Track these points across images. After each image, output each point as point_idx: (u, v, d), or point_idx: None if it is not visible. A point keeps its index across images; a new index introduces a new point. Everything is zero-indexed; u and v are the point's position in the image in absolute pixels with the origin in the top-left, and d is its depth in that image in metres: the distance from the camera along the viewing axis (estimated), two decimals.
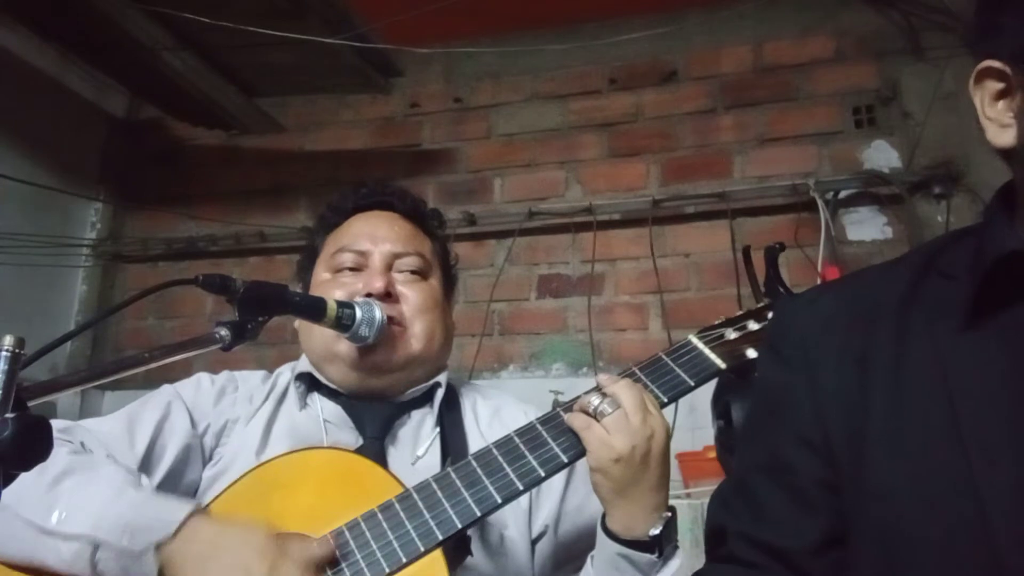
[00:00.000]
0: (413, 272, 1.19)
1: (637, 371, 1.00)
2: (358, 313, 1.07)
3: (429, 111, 2.84)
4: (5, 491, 0.60)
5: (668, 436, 0.94)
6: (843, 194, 2.34)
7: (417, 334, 1.16)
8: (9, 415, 0.61)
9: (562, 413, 0.97)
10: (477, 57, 2.75)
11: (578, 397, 0.97)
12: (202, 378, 1.19)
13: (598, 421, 0.92)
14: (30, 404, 0.64)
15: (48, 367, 2.48)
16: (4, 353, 0.61)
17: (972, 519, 0.63)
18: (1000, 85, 0.68)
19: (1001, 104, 0.68)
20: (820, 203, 2.29)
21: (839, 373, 0.74)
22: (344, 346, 1.11)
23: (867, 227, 2.33)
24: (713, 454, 1.92)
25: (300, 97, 2.86)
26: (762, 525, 0.75)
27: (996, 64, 0.68)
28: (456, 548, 0.95)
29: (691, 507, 1.77)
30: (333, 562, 0.90)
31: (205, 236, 2.89)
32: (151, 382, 1.20)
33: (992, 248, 0.68)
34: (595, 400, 0.93)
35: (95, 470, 0.95)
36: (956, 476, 0.64)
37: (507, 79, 2.77)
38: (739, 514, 0.77)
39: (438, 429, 1.15)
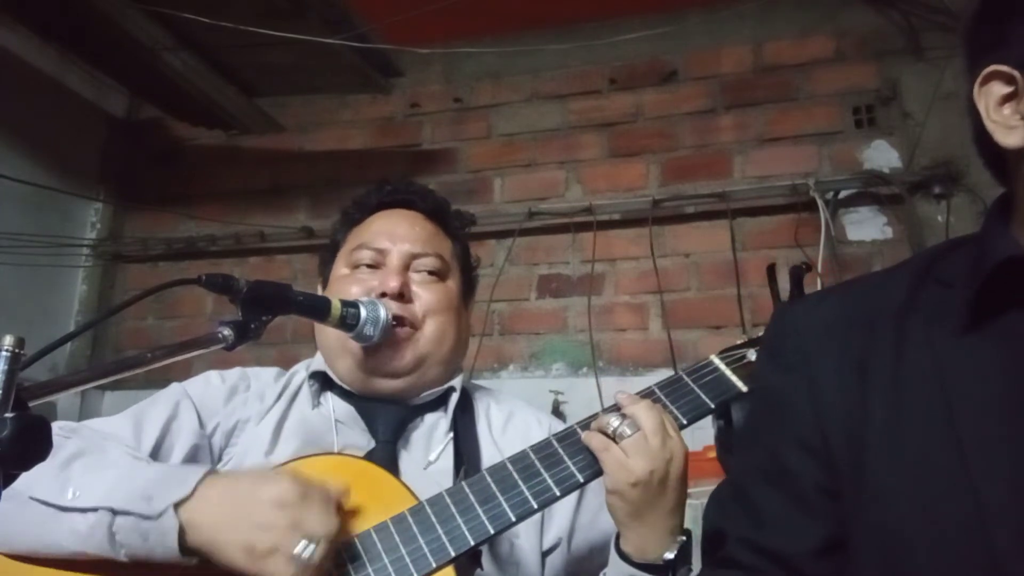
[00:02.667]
0: (430, 273, 1.18)
1: (657, 391, 1.00)
2: (362, 312, 1.06)
3: (429, 111, 2.84)
4: (19, 478, 0.61)
5: (686, 460, 0.93)
6: (843, 194, 2.34)
7: (428, 335, 1.14)
8: (9, 415, 0.61)
9: (579, 431, 0.96)
10: (477, 57, 2.75)
11: (596, 414, 0.96)
12: (211, 376, 1.18)
13: (617, 443, 0.91)
14: (30, 404, 0.64)
15: (48, 367, 2.48)
16: (4, 353, 0.61)
17: (971, 523, 0.63)
18: (1007, 89, 0.70)
19: (1007, 108, 0.70)
20: (820, 203, 2.29)
21: (839, 378, 0.74)
22: (353, 344, 1.11)
23: (867, 227, 2.33)
24: (713, 454, 1.92)
25: (300, 97, 2.86)
26: (762, 530, 0.75)
27: (1004, 68, 0.70)
28: (468, 562, 0.94)
29: (691, 507, 1.76)
30: (344, 573, 0.89)
31: (205, 236, 2.88)
32: (152, 382, 1.20)
33: (990, 255, 0.69)
34: (614, 421, 0.92)
35: (104, 451, 0.96)
36: (955, 480, 0.65)
37: (507, 79, 2.77)
38: (738, 519, 0.77)
39: (451, 434, 1.14)
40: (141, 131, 3.13)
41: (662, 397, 0.99)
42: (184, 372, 1.25)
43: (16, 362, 0.62)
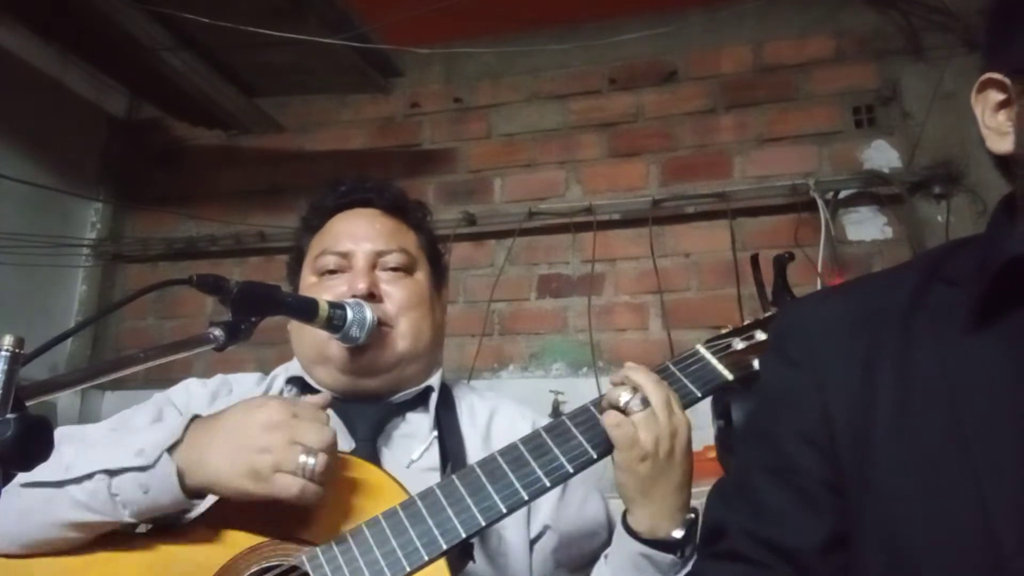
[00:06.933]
0: (397, 269, 1.18)
1: (671, 366, 1.00)
2: (349, 314, 1.06)
3: (429, 111, 2.84)
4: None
5: (690, 434, 0.94)
6: (843, 194, 2.34)
7: (403, 332, 1.14)
8: (11, 415, 0.61)
9: (593, 408, 0.97)
10: (477, 57, 2.75)
11: (602, 396, 0.97)
12: (191, 383, 1.19)
13: (627, 416, 0.92)
14: (28, 404, 0.64)
15: (48, 367, 2.48)
16: (4, 353, 0.61)
17: (976, 523, 0.63)
18: (1001, 96, 0.71)
19: (1001, 114, 0.71)
20: (820, 203, 2.29)
21: (844, 375, 0.74)
22: (335, 348, 1.10)
23: (867, 227, 2.33)
24: (713, 454, 1.92)
25: (300, 97, 2.86)
26: (766, 523, 0.75)
27: (997, 76, 0.71)
28: (460, 555, 0.94)
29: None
30: (335, 567, 0.89)
31: (205, 236, 2.88)
32: (151, 382, 1.21)
33: (998, 253, 0.70)
34: (625, 395, 0.93)
35: (87, 433, 0.99)
36: (961, 480, 0.65)
37: (507, 79, 2.77)
38: (741, 511, 0.77)
39: (435, 433, 1.14)
40: (141, 131, 3.13)
41: (676, 372, 0.99)
42: (185, 371, 1.26)
43: (16, 362, 0.62)
